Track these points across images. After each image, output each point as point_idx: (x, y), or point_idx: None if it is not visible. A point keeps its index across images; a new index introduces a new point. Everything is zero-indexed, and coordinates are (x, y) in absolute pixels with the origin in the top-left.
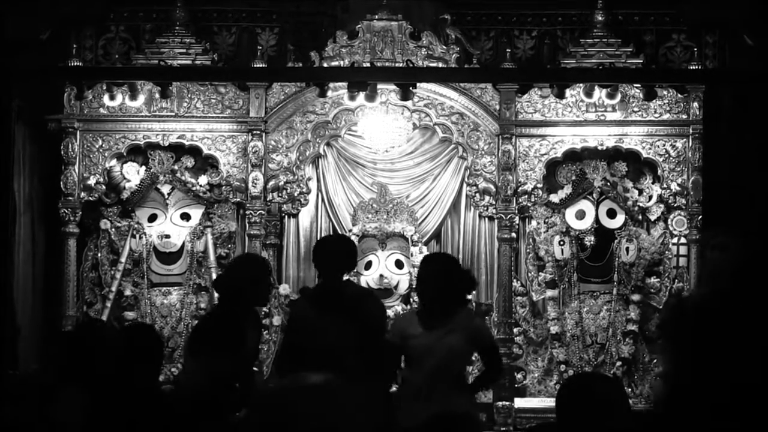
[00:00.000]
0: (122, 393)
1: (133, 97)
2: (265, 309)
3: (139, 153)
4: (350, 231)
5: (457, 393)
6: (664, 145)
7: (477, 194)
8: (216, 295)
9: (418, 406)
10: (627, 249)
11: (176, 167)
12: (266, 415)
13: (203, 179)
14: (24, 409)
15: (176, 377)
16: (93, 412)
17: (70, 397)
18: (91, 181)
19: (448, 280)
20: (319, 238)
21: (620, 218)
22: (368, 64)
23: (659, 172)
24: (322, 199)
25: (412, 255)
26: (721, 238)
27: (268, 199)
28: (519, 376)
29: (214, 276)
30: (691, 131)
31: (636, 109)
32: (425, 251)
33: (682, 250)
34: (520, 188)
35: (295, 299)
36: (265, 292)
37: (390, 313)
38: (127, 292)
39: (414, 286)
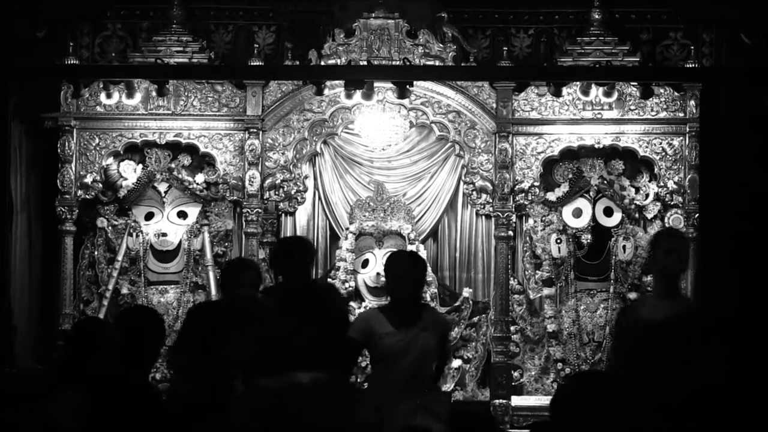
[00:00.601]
0: (119, 393)
1: (130, 95)
2: None
3: (135, 151)
4: (347, 229)
5: (433, 390)
6: (660, 143)
7: (474, 192)
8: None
9: (395, 404)
10: (624, 247)
11: (173, 165)
12: (257, 414)
13: (200, 177)
14: (21, 410)
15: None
16: (90, 413)
17: (67, 398)
18: (88, 179)
19: (422, 277)
20: (285, 239)
21: (617, 216)
22: (365, 63)
23: (656, 170)
24: (319, 197)
25: None
26: (672, 241)
27: (265, 197)
28: (516, 374)
29: (211, 274)
30: (687, 129)
31: (633, 107)
32: (422, 249)
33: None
34: (517, 186)
35: (261, 299)
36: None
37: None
38: (124, 291)
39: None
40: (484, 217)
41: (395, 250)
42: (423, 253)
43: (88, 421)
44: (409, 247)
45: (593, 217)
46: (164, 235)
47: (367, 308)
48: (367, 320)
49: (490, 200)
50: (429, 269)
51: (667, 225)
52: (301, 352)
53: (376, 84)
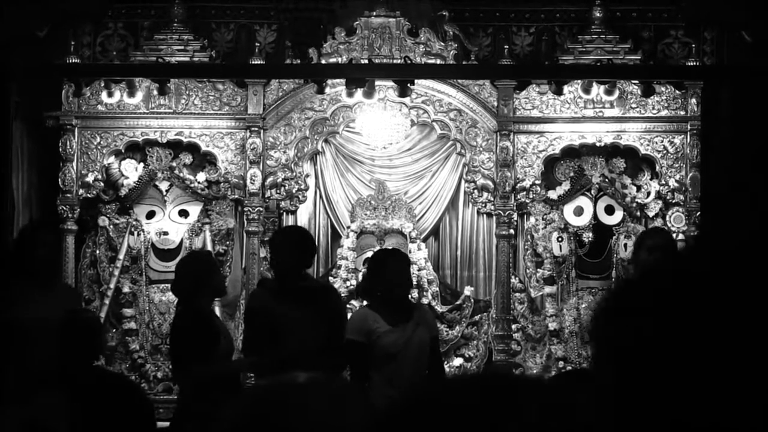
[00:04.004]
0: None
1: (131, 94)
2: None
3: (137, 150)
4: (348, 228)
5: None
6: (662, 142)
7: (475, 191)
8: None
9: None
10: (625, 245)
11: (174, 164)
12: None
13: (201, 176)
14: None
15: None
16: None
17: (52, 399)
18: (89, 178)
19: (410, 274)
20: (275, 231)
21: (618, 214)
22: (366, 61)
23: (657, 168)
24: (320, 196)
25: (410, 252)
26: (656, 239)
27: (266, 196)
28: (517, 372)
29: None
30: (689, 127)
31: (634, 105)
32: (423, 248)
33: (680, 246)
34: (518, 185)
35: (254, 290)
36: (220, 282)
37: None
38: (126, 289)
39: (424, 282)
40: (485, 215)
41: (376, 249)
42: (424, 252)
43: (73, 422)
44: (410, 246)
45: (594, 216)
46: (165, 233)
47: (359, 308)
48: (364, 320)
49: (492, 198)
50: (430, 267)
51: (669, 223)
52: (298, 350)
53: (377, 82)
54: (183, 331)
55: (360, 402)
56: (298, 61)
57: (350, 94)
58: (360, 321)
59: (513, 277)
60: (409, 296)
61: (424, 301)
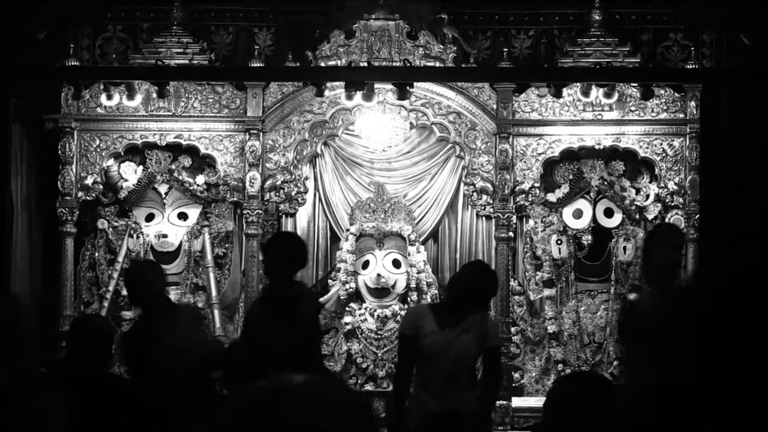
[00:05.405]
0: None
1: (131, 97)
2: None
3: (136, 152)
4: (348, 230)
5: (471, 392)
6: (661, 144)
7: (474, 193)
8: (216, 293)
9: (433, 404)
10: (624, 248)
11: (173, 167)
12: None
13: (200, 179)
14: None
15: None
16: (78, 413)
17: (54, 398)
18: (89, 181)
19: (487, 284)
20: (269, 237)
21: (617, 217)
22: (365, 64)
23: (656, 171)
24: (320, 199)
25: (409, 254)
26: (667, 236)
27: (265, 199)
28: (516, 375)
29: (211, 275)
30: (688, 130)
31: (633, 108)
32: (423, 250)
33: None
34: (518, 187)
35: (256, 299)
36: (159, 287)
37: (387, 312)
38: (125, 292)
39: (423, 285)
40: (484, 218)
41: (479, 260)
42: (423, 254)
43: (76, 421)
44: (410, 248)
45: (594, 218)
46: (165, 236)
47: (419, 303)
48: (415, 316)
49: (491, 201)
50: (429, 270)
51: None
52: (287, 354)
53: (376, 85)
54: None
55: (353, 401)
56: (298, 64)
57: (349, 97)
58: (411, 316)
59: (512, 279)
60: (485, 306)
61: (423, 303)
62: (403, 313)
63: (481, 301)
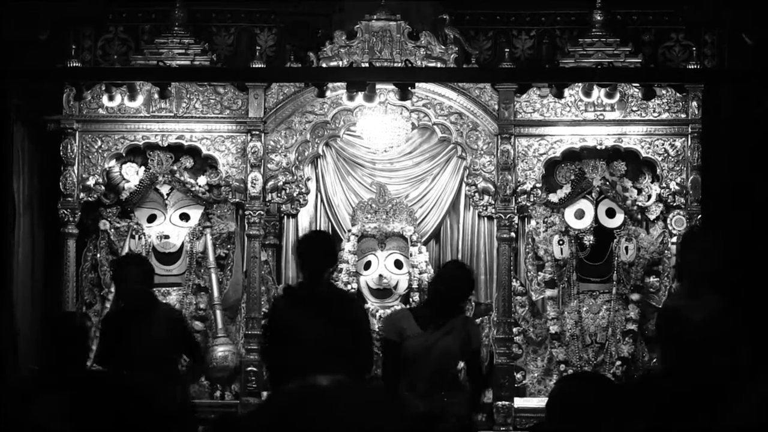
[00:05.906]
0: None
1: (132, 98)
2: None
3: (138, 153)
4: (349, 231)
5: (456, 393)
6: (663, 145)
7: (476, 194)
8: (217, 295)
9: (422, 406)
10: (626, 248)
11: (175, 168)
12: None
13: (202, 180)
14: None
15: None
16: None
17: (51, 402)
18: (90, 182)
19: (468, 285)
20: (300, 236)
21: (619, 218)
22: (367, 64)
23: (658, 171)
24: (321, 200)
25: (411, 255)
26: (704, 242)
27: (267, 200)
28: (518, 375)
29: (213, 276)
30: (690, 130)
31: (635, 108)
32: (424, 251)
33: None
34: (519, 188)
35: (276, 298)
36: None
37: (381, 312)
38: None
39: (425, 286)
40: (486, 218)
41: (455, 260)
42: (425, 255)
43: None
44: (411, 249)
45: (595, 219)
46: (166, 237)
47: (397, 309)
48: (399, 321)
49: (493, 202)
50: (431, 271)
51: (670, 226)
52: (319, 355)
53: (377, 86)
54: None
55: (385, 403)
56: (299, 65)
57: (351, 98)
58: (394, 321)
59: (514, 280)
60: (464, 307)
61: None
62: None
63: (464, 299)
